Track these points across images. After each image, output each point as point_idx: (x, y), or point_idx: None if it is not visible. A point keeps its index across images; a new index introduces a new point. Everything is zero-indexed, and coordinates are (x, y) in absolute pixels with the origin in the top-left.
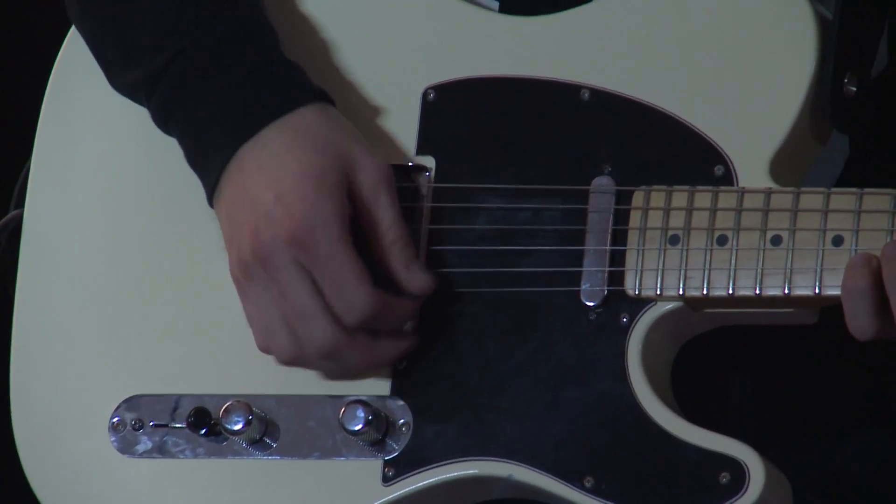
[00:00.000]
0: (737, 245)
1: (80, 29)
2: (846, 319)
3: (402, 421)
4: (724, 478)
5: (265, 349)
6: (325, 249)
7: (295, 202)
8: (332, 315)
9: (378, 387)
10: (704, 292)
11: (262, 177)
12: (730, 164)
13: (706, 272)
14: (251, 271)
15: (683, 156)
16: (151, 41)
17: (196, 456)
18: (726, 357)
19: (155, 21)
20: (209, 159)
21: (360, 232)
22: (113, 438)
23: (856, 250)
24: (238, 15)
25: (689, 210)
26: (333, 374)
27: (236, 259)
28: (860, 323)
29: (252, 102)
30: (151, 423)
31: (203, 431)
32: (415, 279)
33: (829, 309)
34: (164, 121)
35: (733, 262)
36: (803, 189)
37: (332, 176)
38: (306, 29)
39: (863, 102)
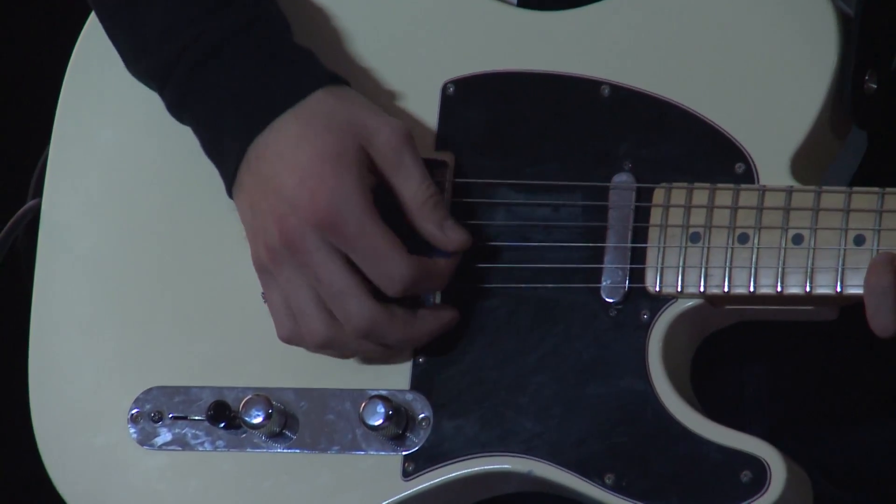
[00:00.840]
0: (758, 243)
1: (98, 15)
2: (868, 317)
3: (421, 416)
4: (746, 476)
5: (292, 337)
6: (354, 226)
7: (317, 185)
8: (369, 291)
9: (397, 380)
10: (725, 290)
11: (282, 164)
12: (751, 161)
13: (727, 270)
14: (280, 258)
15: (704, 153)
16: (163, 30)
17: (215, 448)
18: (743, 349)
19: (167, 9)
20: (225, 150)
21: (388, 201)
22: (132, 430)
23: (878, 250)
24: (249, 3)
25: (710, 208)
26: (367, 354)
27: (263, 247)
28: (882, 321)
29: (265, 91)
30: (171, 416)
31: (222, 424)
32: (450, 236)
33: (850, 305)
34: (179, 111)
35: (754, 260)
36: (825, 188)
37: (350, 153)
38: (323, 22)
39: (883, 99)
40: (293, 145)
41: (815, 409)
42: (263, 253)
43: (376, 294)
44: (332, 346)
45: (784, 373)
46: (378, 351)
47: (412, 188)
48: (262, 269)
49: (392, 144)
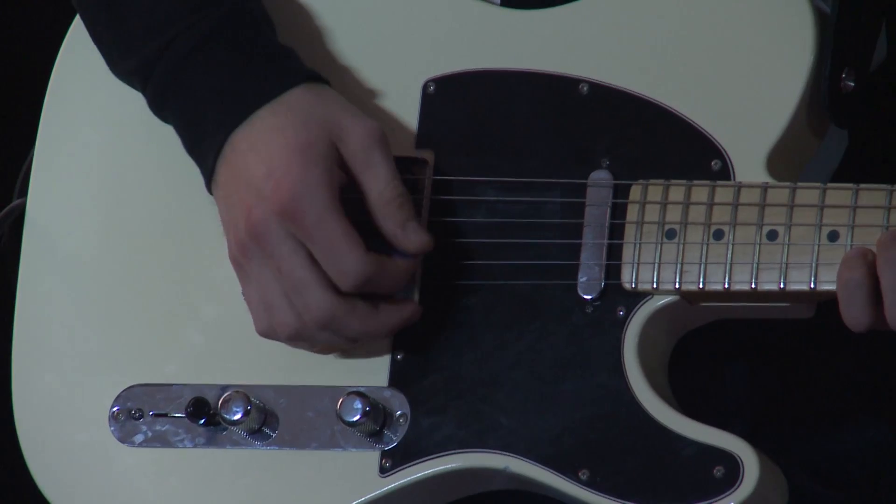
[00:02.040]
0: (733, 240)
1: (81, 17)
2: (840, 311)
3: (399, 412)
4: (719, 471)
5: (267, 331)
6: (314, 217)
7: (282, 176)
8: (328, 283)
9: (376, 377)
10: (700, 286)
11: (253, 156)
12: (727, 158)
13: (702, 266)
14: (249, 251)
15: (681, 150)
16: (145, 29)
17: (195, 445)
18: (724, 348)
19: (150, 9)
20: (204, 145)
21: (358, 199)
22: (113, 428)
23: (851, 245)
24: (230, 2)
25: (686, 204)
26: (336, 346)
27: (234, 240)
28: (855, 314)
29: (243, 87)
30: (151, 413)
31: (202, 421)
32: (411, 238)
33: (827, 302)
34: (160, 108)
35: (729, 256)
36: (800, 184)
37: (318, 147)
38: (306, 20)
39: (861, 98)
40: (266, 138)
41: (797, 407)
42: (235, 246)
43: (338, 287)
44: (302, 339)
45: (765, 372)
46: (346, 343)
47: (379, 187)
48: (236, 263)
49: (363, 143)
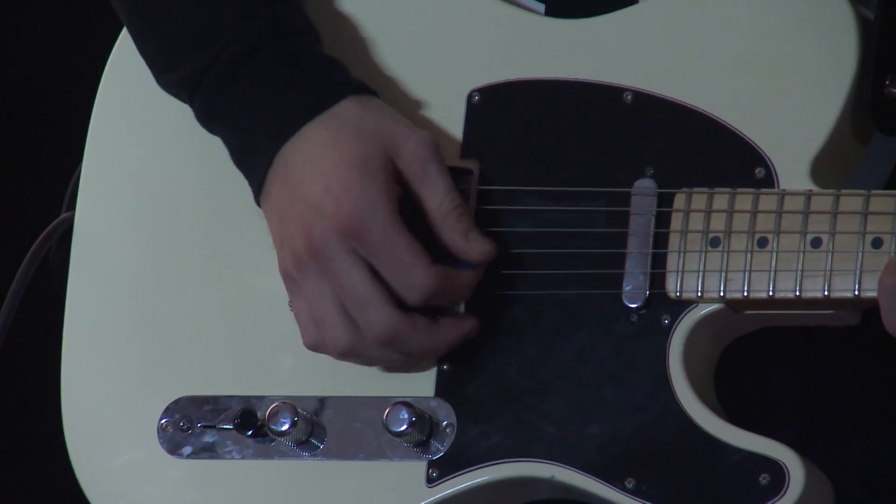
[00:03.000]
0: (777, 247)
1: (128, 29)
2: (882, 317)
3: (445, 422)
4: (765, 479)
5: (317, 345)
6: (378, 234)
7: (342, 192)
8: (391, 299)
9: (422, 387)
10: (745, 294)
11: (308, 172)
12: (771, 166)
13: (746, 274)
14: (305, 266)
15: (725, 158)
16: (192, 40)
17: (243, 457)
18: (770, 355)
19: (195, 20)
20: (253, 158)
21: (414, 211)
22: (161, 439)
23: (895, 252)
24: (276, 12)
25: (730, 212)
26: (389, 362)
27: (290, 255)
28: None
29: (293, 99)
30: (199, 425)
31: (250, 433)
32: (474, 247)
33: (873, 309)
34: (208, 120)
35: (773, 264)
36: (844, 191)
37: (375, 161)
38: (349, 30)
39: None
40: (320, 152)
41: (845, 416)
42: (289, 260)
43: (399, 303)
44: (355, 354)
45: (812, 379)
46: (400, 359)
47: (437, 198)
48: (288, 277)
49: (419, 155)
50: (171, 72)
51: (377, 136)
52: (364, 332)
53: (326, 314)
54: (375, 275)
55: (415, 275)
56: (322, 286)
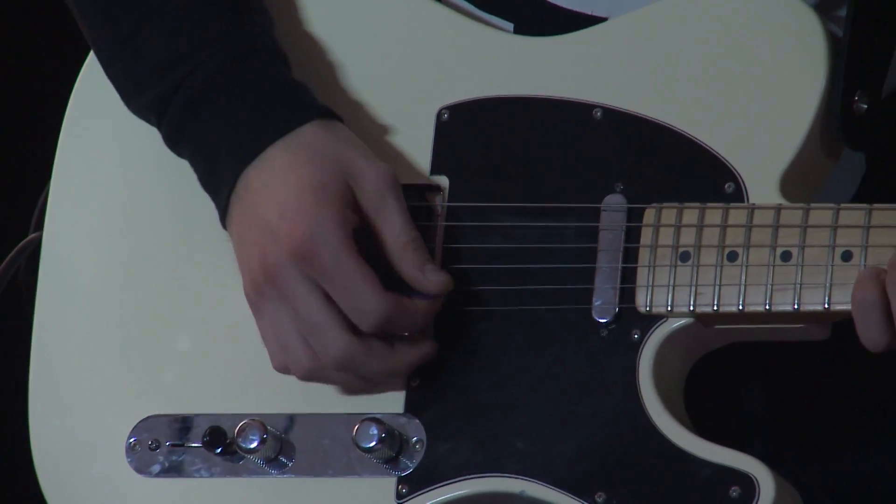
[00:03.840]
0: (747, 261)
1: (96, 55)
2: (858, 332)
3: (415, 438)
4: (735, 492)
5: (282, 367)
6: (330, 259)
7: (296, 217)
8: (345, 324)
9: (391, 404)
10: (715, 308)
11: (266, 195)
12: (740, 180)
13: (716, 288)
14: (263, 290)
15: (694, 173)
16: (160, 64)
17: (212, 475)
18: (740, 370)
19: (164, 45)
20: (218, 181)
21: (371, 242)
22: (129, 459)
23: (865, 265)
24: (244, 37)
25: (700, 227)
26: (352, 385)
27: (249, 280)
28: (872, 335)
29: (256, 123)
30: (168, 444)
31: (219, 450)
32: (430, 280)
33: (842, 323)
34: (175, 143)
35: (743, 278)
36: (813, 205)
37: (332, 188)
38: (319, 51)
39: (874, 120)
40: (279, 176)
41: (815, 429)
42: (249, 286)
43: (355, 329)
44: (317, 378)
45: (782, 394)
46: (359, 382)
47: (394, 231)
48: (250, 301)
49: (378, 187)
50: (139, 96)
51: (337, 163)
52: (321, 358)
53: (287, 339)
54: (330, 300)
55: (366, 300)
56: (280, 311)
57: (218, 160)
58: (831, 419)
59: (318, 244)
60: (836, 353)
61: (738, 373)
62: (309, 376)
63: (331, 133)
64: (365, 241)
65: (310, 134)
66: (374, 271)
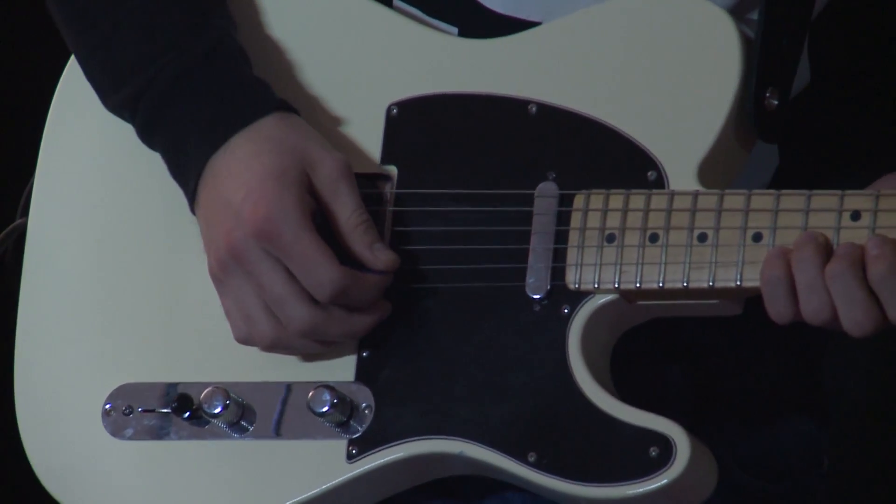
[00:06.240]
0: (667, 242)
1: (75, 57)
2: (765, 306)
3: (364, 404)
4: (654, 451)
5: (245, 339)
6: (289, 237)
7: (259, 199)
8: (305, 296)
9: (343, 373)
10: (637, 285)
11: (232, 181)
12: (662, 169)
13: (639, 267)
14: (228, 268)
15: (620, 162)
16: (131, 65)
17: (180, 438)
18: (665, 349)
19: (134, 47)
20: (187, 170)
21: (327, 224)
22: (105, 423)
23: (773, 245)
24: (208, 38)
25: (625, 211)
26: (312, 350)
27: (214, 258)
28: (778, 308)
29: (221, 115)
30: (140, 409)
31: (186, 415)
32: (378, 258)
33: (759, 307)
34: (148, 137)
35: (663, 257)
36: (727, 191)
37: (291, 174)
38: (278, 52)
39: (784, 114)
40: (244, 163)
41: (730, 405)
42: (215, 263)
43: (315, 299)
44: (280, 346)
45: (701, 369)
46: (322, 347)
47: (346, 213)
48: (216, 278)
49: (332, 174)
50: (114, 94)
51: (295, 152)
52: (286, 327)
53: (251, 312)
54: (291, 275)
55: (323, 273)
56: (245, 286)
57: (186, 151)
58: (743, 394)
59: (280, 224)
60: (748, 334)
61: (660, 352)
62: (272, 345)
63: (289, 124)
64: (321, 223)
65: (270, 125)
66: (329, 248)
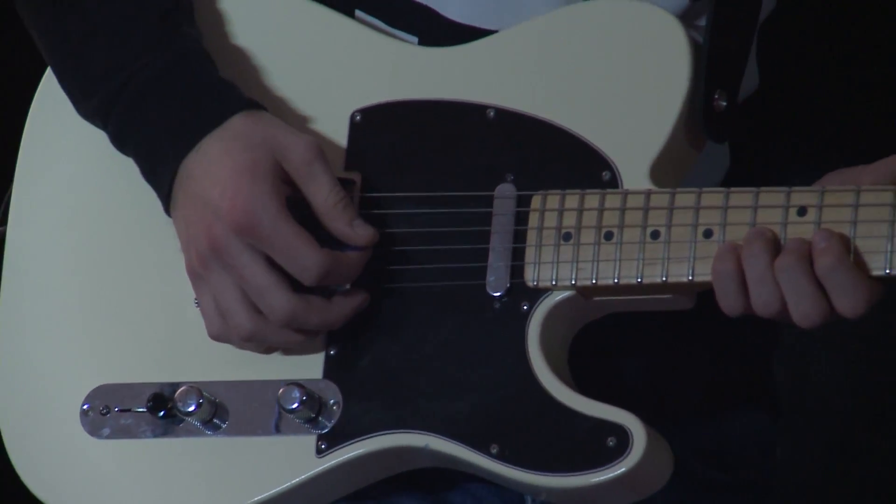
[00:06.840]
0: (621, 240)
1: (50, 66)
2: (717, 299)
3: (332, 401)
4: (611, 441)
5: (221, 334)
6: (269, 226)
7: (235, 194)
8: (287, 284)
9: (312, 371)
10: (593, 281)
11: (207, 179)
12: (615, 169)
13: (595, 264)
14: (209, 263)
15: (576, 164)
16: (103, 73)
17: (156, 436)
18: (621, 343)
19: (105, 56)
20: (161, 173)
21: (304, 208)
22: (83, 423)
23: (724, 241)
24: (176, 45)
25: (580, 210)
26: (290, 342)
27: (195, 255)
28: (729, 301)
29: (191, 118)
30: (116, 409)
31: (161, 414)
32: (359, 232)
33: (711, 301)
34: (121, 143)
35: (618, 254)
36: (679, 189)
37: (263, 165)
38: (243, 62)
39: (732, 115)
40: (216, 162)
41: (685, 395)
42: (195, 259)
43: (295, 288)
44: (256, 339)
45: (657, 363)
46: (299, 339)
47: (323, 193)
48: (194, 275)
49: (304, 157)
50: (86, 102)
51: (265, 144)
52: (267, 317)
53: (230, 304)
54: (272, 264)
55: (306, 257)
56: (225, 280)
57: (159, 155)
58: (697, 387)
59: (257, 215)
60: (709, 336)
61: (619, 345)
62: (249, 337)
63: (257, 119)
64: (298, 209)
65: (239, 123)
66: (308, 232)
